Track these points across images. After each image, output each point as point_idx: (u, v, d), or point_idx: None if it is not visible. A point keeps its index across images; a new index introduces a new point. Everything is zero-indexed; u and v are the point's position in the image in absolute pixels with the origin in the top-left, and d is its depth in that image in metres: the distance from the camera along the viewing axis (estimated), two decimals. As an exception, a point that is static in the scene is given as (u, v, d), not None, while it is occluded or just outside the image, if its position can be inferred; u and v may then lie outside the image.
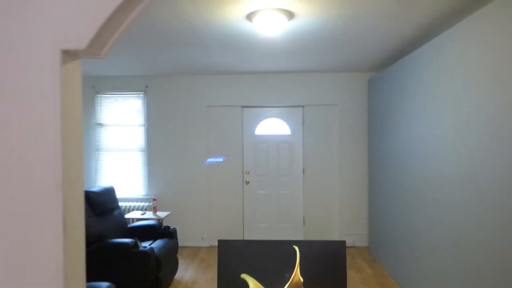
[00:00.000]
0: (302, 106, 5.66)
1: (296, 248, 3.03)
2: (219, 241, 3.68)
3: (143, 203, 5.61)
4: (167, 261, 3.95)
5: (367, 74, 5.57)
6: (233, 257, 3.63)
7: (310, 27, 3.38)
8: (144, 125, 5.75)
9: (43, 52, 1.10)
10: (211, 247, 5.63)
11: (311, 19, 3.18)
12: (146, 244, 3.94)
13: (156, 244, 3.97)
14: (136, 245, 3.60)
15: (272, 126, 5.73)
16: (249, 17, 3.09)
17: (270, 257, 3.62)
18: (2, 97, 1.11)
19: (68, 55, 1.15)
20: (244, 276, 2.70)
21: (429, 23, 3.31)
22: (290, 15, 3.04)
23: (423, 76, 3.50)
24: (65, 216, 1.12)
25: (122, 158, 5.79)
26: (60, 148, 1.11)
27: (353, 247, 5.56)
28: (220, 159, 5.70)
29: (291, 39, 3.76)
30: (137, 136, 5.78)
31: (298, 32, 3.52)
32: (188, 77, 5.69)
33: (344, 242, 3.64)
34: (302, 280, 2.92)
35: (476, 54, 2.61)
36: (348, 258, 4.99)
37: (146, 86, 5.70)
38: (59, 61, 1.11)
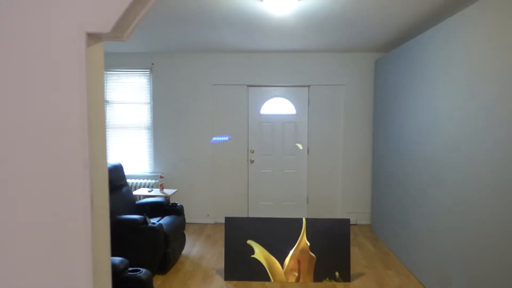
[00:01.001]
0: (308, 86, 5.65)
1: (303, 218, 3.11)
2: (226, 218, 3.80)
3: (149, 180, 5.70)
4: (175, 237, 4.06)
5: (374, 54, 5.53)
6: (239, 233, 3.72)
7: (320, 6, 3.34)
8: (150, 103, 5.77)
9: (69, 35, 1.12)
10: (216, 224, 5.75)
11: (322, -2, 3.14)
12: (154, 221, 4.04)
13: (164, 221, 4.07)
14: (145, 221, 3.69)
15: (278, 105, 5.74)
16: (259, -5, 3.06)
17: (274, 233, 3.72)
18: (30, 80, 1.14)
19: (93, 38, 1.17)
20: (250, 242, 2.81)
21: (439, 4, 3.27)
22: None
23: (430, 59, 3.49)
24: (92, 194, 1.17)
25: (128, 136, 5.84)
26: (87, 130, 1.15)
27: (355, 224, 5.68)
28: (226, 138, 5.74)
29: (301, 18, 3.72)
30: (143, 114, 5.81)
31: (308, 11, 3.49)
32: (195, 55, 5.66)
33: (348, 220, 3.76)
34: (308, 244, 3.02)
35: (485, 39, 2.60)
36: (351, 236, 5.10)
37: (152, 64, 5.68)
38: (84, 44, 1.13)
